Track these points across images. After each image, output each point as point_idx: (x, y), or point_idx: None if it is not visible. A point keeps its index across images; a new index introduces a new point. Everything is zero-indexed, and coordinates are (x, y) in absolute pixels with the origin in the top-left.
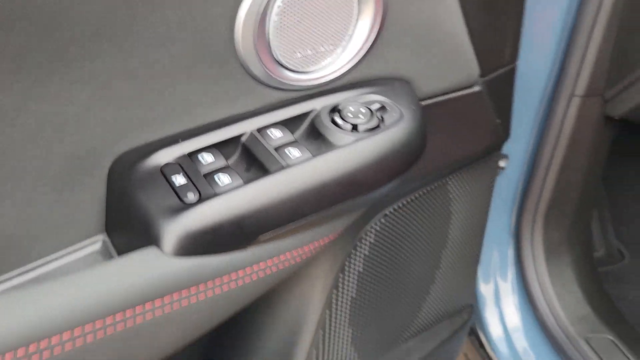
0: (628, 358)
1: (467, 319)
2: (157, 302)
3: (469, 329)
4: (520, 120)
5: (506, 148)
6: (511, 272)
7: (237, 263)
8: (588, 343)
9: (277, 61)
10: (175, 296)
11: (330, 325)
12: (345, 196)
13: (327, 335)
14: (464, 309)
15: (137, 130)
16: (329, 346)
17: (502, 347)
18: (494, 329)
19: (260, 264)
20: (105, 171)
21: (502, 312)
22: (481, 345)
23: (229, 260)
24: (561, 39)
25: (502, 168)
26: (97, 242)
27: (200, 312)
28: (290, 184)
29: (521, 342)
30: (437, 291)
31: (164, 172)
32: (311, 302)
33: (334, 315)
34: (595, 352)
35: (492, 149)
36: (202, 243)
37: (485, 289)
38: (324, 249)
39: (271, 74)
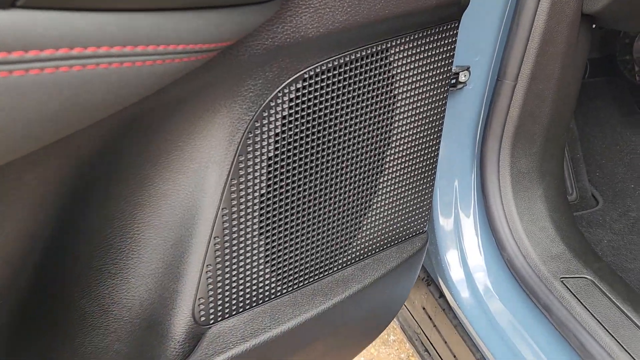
0: (609, 297)
1: (420, 248)
2: None
3: (421, 262)
4: (483, 25)
5: (468, 60)
6: (474, 205)
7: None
8: (564, 284)
9: None
10: None
11: (231, 231)
12: None
13: (226, 245)
14: (417, 236)
15: None
16: (230, 261)
17: (463, 290)
18: (454, 268)
19: (61, 50)
20: None
21: (464, 250)
22: (441, 295)
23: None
24: None
25: (464, 83)
26: None
27: None
28: None
29: (484, 283)
30: (382, 207)
31: None
32: (202, 197)
33: (235, 216)
34: (573, 294)
35: (447, 15)
36: None
37: (445, 223)
38: (211, 111)
39: None
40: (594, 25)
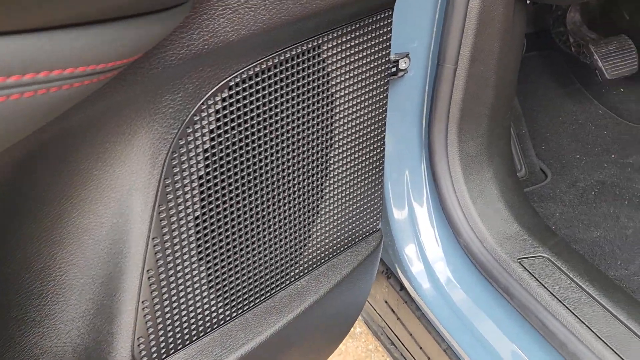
0: (566, 274)
1: (375, 247)
2: None
3: (378, 261)
4: (419, 10)
5: (407, 46)
6: (427, 194)
7: None
8: (522, 265)
9: None
10: None
11: (165, 261)
12: None
13: (162, 277)
14: (371, 235)
15: None
16: (168, 293)
17: (424, 282)
18: (413, 261)
19: None
20: None
21: (420, 240)
22: (402, 287)
23: None
24: None
25: (404, 70)
26: None
27: None
28: None
29: (444, 272)
30: (332, 211)
31: None
32: (129, 228)
33: (168, 245)
34: (531, 274)
35: (380, 4)
36: None
37: (399, 215)
38: (126, 132)
39: None
40: (528, 1)
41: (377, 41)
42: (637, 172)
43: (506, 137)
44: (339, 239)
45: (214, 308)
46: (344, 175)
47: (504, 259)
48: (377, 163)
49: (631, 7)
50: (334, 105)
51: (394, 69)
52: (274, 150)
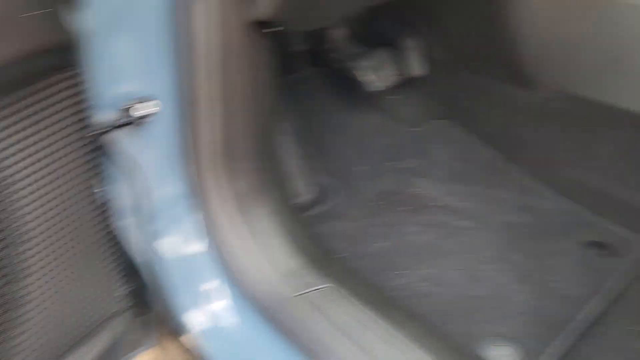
0: (349, 302)
1: (117, 334)
2: None
3: (131, 343)
4: (150, 51)
5: (154, 89)
6: (205, 244)
7: None
8: (305, 300)
9: None
10: None
11: None
12: None
13: None
14: (109, 321)
15: None
16: None
17: (212, 339)
18: (197, 319)
19: None
20: None
21: (202, 296)
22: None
23: None
24: None
25: (150, 115)
26: None
27: None
28: None
29: (232, 326)
30: (40, 314)
31: None
32: None
33: None
34: (315, 309)
35: (55, 64)
36: None
37: (177, 273)
38: None
39: None
40: (263, 30)
41: (63, 105)
42: (412, 177)
43: (280, 166)
44: (60, 342)
45: None
46: (51, 268)
47: (287, 298)
48: (101, 241)
49: (389, 23)
50: (11, 191)
51: (128, 119)
52: None
